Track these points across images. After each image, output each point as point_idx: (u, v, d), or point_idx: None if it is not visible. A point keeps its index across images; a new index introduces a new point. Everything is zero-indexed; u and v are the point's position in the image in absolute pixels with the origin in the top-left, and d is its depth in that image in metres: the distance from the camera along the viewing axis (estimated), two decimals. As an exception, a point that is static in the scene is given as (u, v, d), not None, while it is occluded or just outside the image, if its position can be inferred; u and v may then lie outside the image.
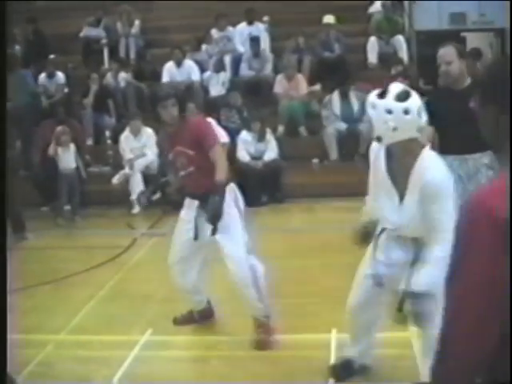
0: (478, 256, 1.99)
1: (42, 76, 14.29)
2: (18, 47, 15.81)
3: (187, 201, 6.15)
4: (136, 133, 12.03)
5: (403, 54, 14.08)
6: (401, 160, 4.42)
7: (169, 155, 6.03)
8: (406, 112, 4.19)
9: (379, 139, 4.37)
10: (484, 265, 1.99)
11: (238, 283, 5.82)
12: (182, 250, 6.09)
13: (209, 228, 5.59)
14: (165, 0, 16.10)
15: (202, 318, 6.32)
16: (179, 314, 6.35)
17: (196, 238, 5.91)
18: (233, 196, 5.86)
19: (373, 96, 4.39)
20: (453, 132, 5.79)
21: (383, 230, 4.70)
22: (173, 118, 5.80)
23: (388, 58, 13.91)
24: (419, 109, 4.25)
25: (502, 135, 2.13)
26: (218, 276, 7.74)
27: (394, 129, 4.22)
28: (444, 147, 5.47)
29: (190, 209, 6.08)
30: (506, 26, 16.57)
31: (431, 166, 4.31)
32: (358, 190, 11.11)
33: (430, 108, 4.57)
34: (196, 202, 5.98)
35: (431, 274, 4.16)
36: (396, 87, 4.33)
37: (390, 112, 4.22)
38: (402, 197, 4.46)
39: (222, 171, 5.62)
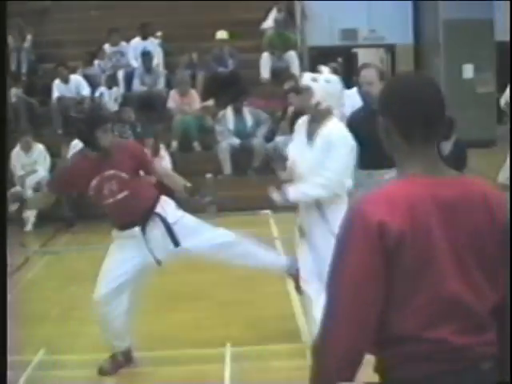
0: (350, 256, 2.19)
1: None
2: None
3: (120, 233, 5.72)
4: (27, 149, 11.84)
5: (296, 70, 14.25)
6: (318, 123, 5.29)
7: (90, 182, 5.49)
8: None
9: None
10: (353, 264, 2.17)
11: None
12: (115, 280, 5.66)
13: (161, 248, 5.58)
14: (58, 13, 15.90)
15: (127, 361, 5.76)
16: (103, 362, 5.72)
17: (159, 263, 5.67)
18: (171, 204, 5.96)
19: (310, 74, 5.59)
20: (368, 149, 6.01)
21: None
22: (110, 141, 5.52)
23: (280, 74, 14.08)
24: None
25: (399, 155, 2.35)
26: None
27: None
28: (361, 162, 5.72)
29: (127, 238, 5.66)
30: (395, 41, 17.03)
31: (334, 126, 5.28)
32: (251, 205, 11.37)
33: (353, 126, 5.55)
34: (133, 230, 5.60)
35: (302, 189, 5.28)
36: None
37: (328, 82, 5.36)
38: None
39: (179, 177, 6.12)
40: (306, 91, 5.35)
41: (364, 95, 6.87)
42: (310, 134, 5.32)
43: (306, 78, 5.47)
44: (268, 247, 9.05)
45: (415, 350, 2.20)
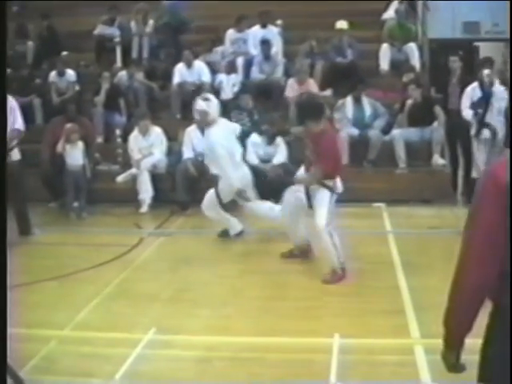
0: (484, 207, 2.75)
1: (53, 73, 14.34)
2: (30, 43, 15.87)
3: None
4: (144, 132, 12.05)
5: (415, 62, 14.04)
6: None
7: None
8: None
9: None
10: (487, 214, 2.74)
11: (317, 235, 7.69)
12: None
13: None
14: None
15: (302, 254, 8.43)
16: (285, 250, 8.47)
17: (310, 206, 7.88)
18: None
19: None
20: None
21: None
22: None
23: (400, 66, 13.90)
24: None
25: None
26: (222, 278, 7.80)
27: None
28: None
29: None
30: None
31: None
32: (365, 196, 11.29)
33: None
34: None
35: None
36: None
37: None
38: None
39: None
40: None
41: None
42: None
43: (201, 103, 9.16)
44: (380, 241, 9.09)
45: None
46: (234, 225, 9.59)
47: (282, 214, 8.53)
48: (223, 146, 9.03)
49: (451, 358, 2.94)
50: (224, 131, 9.24)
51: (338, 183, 7.91)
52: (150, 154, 11.93)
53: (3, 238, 5.29)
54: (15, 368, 5.18)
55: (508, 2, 13.63)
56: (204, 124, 9.43)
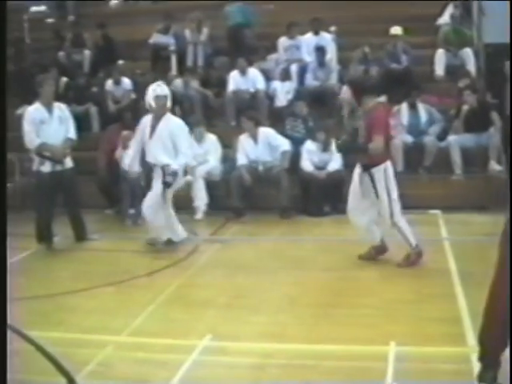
0: None
1: (109, 82, 14.51)
2: (87, 52, 16.08)
3: None
4: (199, 139, 12.13)
5: (471, 67, 13.91)
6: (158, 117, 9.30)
7: None
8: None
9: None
10: None
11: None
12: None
13: None
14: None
15: (377, 253, 8.53)
16: (362, 252, 8.56)
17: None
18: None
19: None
20: None
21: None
22: None
23: (455, 71, 13.77)
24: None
25: None
26: (277, 285, 7.81)
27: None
28: None
29: None
30: None
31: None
32: (420, 203, 11.20)
33: None
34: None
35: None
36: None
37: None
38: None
39: None
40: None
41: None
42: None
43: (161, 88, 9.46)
44: (436, 248, 9.02)
45: None
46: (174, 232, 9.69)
47: (350, 216, 8.55)
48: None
49: (488, 378, 2.90)
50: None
51: (389, 168, 8.20)
52: (204, 161, 11.99)
53: (3, 241, 5.39)
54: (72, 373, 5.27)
55: (508, 2, 13.49)
56: (162, 113, 9.41)
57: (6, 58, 7.31)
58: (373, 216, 8.43)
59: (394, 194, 8.21)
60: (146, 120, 9.53)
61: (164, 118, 9.39)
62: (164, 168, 9.24)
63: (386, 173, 8.16)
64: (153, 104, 9.32)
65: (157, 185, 9.39)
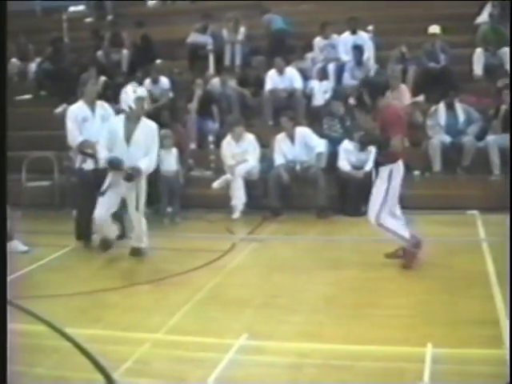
0: None
1: (147, 81, 14.59)
2: (125, 51, 16.19)
3: None
4: (238, 139, 12.15)
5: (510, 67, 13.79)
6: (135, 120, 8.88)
7: None
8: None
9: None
10: None
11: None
12: None
13: None
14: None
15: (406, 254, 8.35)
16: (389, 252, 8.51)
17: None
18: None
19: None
20: None
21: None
22: None
23: (494, 70, 13.67)
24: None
25: None
26: (314, 285, 7.81)
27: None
28: None
29: None
30: None
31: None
32: (458, 204, 11.11)
33: None
34: None
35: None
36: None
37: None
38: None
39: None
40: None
41: None
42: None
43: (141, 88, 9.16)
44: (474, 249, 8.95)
45: None
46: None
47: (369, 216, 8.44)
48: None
49: None
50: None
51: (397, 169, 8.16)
52: (243, 161, 12.01)
53: (3, 239, 5.45)
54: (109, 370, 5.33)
55: (508, 2, 13.34)
56: (139, 115, 8.98)
57: (6, 57, 7.35)
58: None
59: (392, 198, 8.20)
60: (116, 121, 9.14)
61: (141, 121, 8.98)
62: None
63: (391, 174, 8.11)
64: (133, 106, 8.87)
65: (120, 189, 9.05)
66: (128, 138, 8.90)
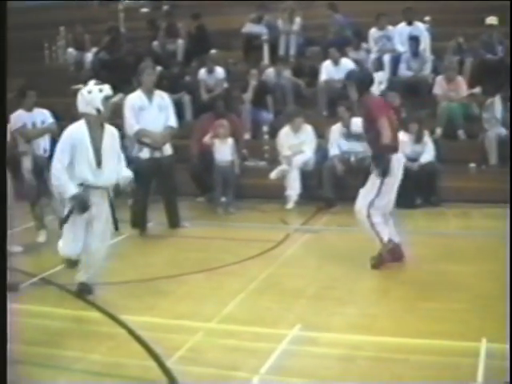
0: None
1: (203, 71, 14.64)
2: (180, 41, 16.27)
3: None
4: (297, 130, 12.12)
5: None
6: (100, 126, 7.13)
7: None
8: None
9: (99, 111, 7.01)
10: None
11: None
12: None
13: None
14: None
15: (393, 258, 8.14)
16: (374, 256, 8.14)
17: None
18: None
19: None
20: None
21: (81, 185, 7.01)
22: None
23: (552, 63, 13.44)
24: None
25: None
26: (367, 277, 7.79)
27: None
28: None
29: None
30: None
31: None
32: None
33: None
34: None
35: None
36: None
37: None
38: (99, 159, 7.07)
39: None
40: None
41: None
42: None
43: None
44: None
45: None
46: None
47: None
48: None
49: None
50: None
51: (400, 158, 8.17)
52: (299, 152, 11.99)
53: (3, 236, 5.52)
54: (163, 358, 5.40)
55: (509, 2, 13.09)
56: (104, 119, 7.15)
57: (6, 58, 7.39)
58: None
59: (388, 193, 8.11)
60: (76, 130, 7.07)
61: (106, 126, 7.23)
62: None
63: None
64: (101, 108, 7.01)
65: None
66: (97, 148, 7.08)
